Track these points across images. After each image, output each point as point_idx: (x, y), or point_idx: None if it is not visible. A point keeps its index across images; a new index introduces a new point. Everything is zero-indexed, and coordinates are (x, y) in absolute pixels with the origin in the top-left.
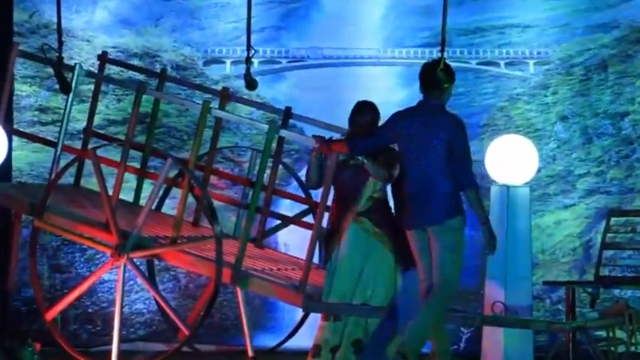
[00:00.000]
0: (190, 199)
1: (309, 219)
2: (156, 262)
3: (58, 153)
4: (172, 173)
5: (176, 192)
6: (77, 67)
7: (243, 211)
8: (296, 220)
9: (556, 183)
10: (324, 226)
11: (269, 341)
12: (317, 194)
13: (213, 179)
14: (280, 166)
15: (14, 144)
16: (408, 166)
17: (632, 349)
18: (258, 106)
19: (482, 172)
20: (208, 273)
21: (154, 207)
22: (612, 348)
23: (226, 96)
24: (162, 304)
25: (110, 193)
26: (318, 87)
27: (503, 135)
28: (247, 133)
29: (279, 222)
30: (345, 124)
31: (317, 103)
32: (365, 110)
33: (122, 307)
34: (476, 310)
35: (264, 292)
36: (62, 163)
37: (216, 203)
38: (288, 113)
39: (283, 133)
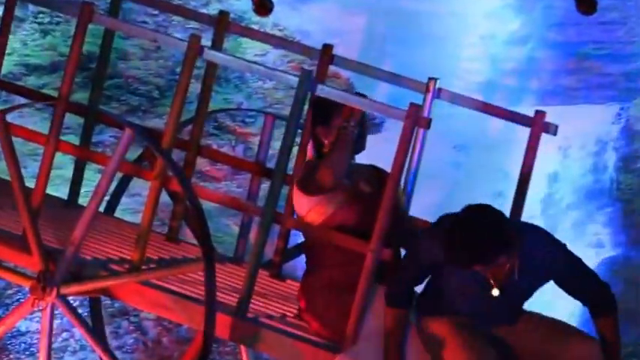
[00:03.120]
0: (165, 197)
1: None
2: (106, 301)
3: None
4: (134, 154)
5: (140, 185)
6: None
7: (251, 219)
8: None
9: None
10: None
11: None
12: None
13: (202, 164)
14: None
15: None
16: None
17: None
18: (276, 44)
19: None
20: (192, 322)
21: (102, 209)
22: None
23: (225, 26)
24: None
25: (31, 185)
26: (373, 10)
27: None
28: (258, 87)
29: None
30: (422, 73)
31: (374, 36)
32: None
33: None
34: None
35: (284, 354)
36: None
37: (207, 204)
38: (327, 55)
39: (322, 89)
